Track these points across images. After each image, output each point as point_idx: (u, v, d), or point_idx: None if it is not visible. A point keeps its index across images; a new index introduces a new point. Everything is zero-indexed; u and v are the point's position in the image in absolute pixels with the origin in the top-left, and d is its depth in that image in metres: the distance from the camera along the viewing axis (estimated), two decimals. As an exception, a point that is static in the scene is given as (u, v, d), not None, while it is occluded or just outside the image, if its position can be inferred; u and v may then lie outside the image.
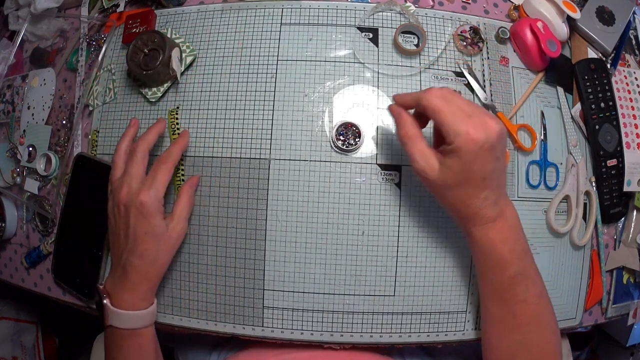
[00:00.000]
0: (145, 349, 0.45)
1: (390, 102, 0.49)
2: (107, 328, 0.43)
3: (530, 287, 0.41)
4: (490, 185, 0.38)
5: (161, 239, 0.43)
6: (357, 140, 0.48)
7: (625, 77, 0.56)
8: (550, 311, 0.43)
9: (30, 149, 0.57)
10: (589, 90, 0.52)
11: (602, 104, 0.53)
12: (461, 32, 0.52)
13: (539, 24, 0.49)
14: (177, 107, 0.51)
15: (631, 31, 0.59)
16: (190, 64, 0.51)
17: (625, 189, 0.53)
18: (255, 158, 0.49)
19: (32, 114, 0.58)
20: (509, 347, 0.42)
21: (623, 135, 0.54)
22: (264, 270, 0.48)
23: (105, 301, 0.43)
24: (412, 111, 0.42)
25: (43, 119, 0.57)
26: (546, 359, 0.42)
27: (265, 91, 0.50)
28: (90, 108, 0.54)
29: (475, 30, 0.52)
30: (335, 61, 0.50)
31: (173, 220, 0.45)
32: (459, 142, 0.36)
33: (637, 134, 0.55)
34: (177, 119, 0.51)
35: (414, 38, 0.51)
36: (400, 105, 0.42)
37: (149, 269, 0.43)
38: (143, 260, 0.42)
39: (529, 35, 0.50)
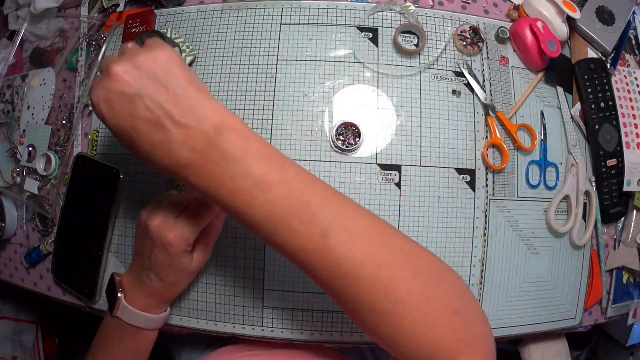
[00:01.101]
0: (143, 349, 0.45)
1: (390, 102, 0.49)
2: (113, 318, 0.43)
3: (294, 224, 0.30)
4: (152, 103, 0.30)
5: (183, 271, 0.42)
6: (357, 140, 0.48)
7: (625, 77, 0.56)
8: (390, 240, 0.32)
9: (30, 149, 0.57)
10: (589, 90, 0.52)
11: (602, 104, 0.53)
12: (461, 32, 0.52)
13: (539, 24, 0.49)
14: (177, 107, 0.51)
15: (631, 31, 0.59)
16: (190, 64, 0.51)
17: (625, 189, 0.53)
18: (255, 158, 0.49)
19: (32, 114, 0.58)
20: (370, 330, 0.32)
21: (623, 135, 0.54)
22: (264, 270, 0.48)
23: (120, 295, 0.42)
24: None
25: (43, 119, 0.57)
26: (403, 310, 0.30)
27: (265, 91, 0.50)
28: (90, 108, 0.54)
29: (475, 30, 0.52)
30: (335, 61, 0.50)
31: (198, 252, 0.42)
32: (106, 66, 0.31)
33: (637, 134, 0.55)
34: (177, 119, 0.50)
35: (414, 38, 0.51)
36: None
37: (167, 290, 0.43)
38: (163, 283, 0.42)
39: (529, 35, 0.50)
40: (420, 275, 0.31)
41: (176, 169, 0.30)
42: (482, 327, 0.32)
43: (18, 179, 0.58)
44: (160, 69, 0.31)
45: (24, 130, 0.58)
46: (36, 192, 0.55)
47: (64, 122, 0.56)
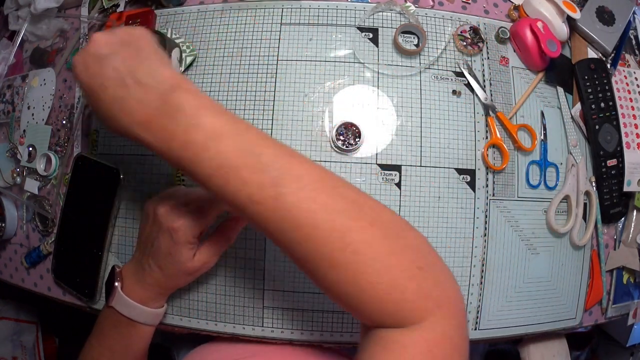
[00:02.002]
0: (135, 344, 0.44)
1: (390, 102, 0.49)
2: (109, 308, 0.43)
3: (282, 180, 0.29)
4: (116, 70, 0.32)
5: (182, 266, 0.41)
6: (357, 140, 0.48)
7: (625, 77, 0.56)
8: (339, 190, 0.31)
9: (30, 149, 0.57)
10: (589, 90, 0.52)
11: (602, 104, 0.53)
12: (461, 32, 0.52)
13: (539, 24, 0.49)
14: (177, 107, 0.51)
15: (631, 31, 0.59)
16: (190, 64, 0.51)
17: (625, 189, 0.53)
18: (255, 158, 0.49)
19: (32, 114, 0.58)
20: (314, 278, 0.31)
21: (623, 135, 0.54)
22: (264, 270, 0.48)
23: (116, 284, 0.42)
24: None
25: (43, 119, 0.57)
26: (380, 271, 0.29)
27: (265, 91, 0.50)
28: (90, 108, 0.54)
29: (475, 30, 0.52)
30: (335, 61, 0.50)
31: (203, 254, 0.41)
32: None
33: (637, 134, 0.55)
34: (177, 119, 0.50)
35: (414, 38, 0.51)
36: None
37: (165, 281, 0.42)
38: (161, 272, 0.41)
39: (529, 35, 0.50)
40: (378, 226, 0.30)
41: (132, 126, 0.32)
42: (451, 287, 0.31)
43: (18, 179, 0.58)
44: (132, 39, 0.34)
45: (24, 130, 0.59)
46: (36, 192, 0.55)
47: (64, 122, 0.56)
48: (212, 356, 0.48)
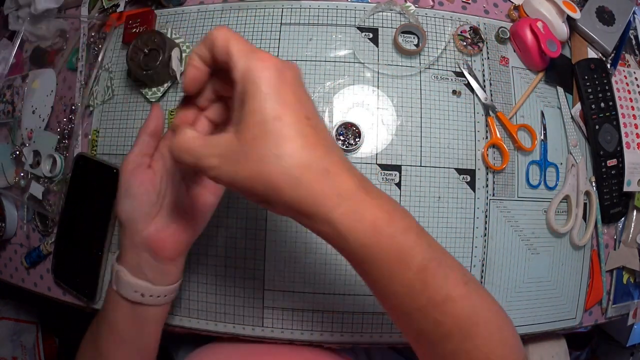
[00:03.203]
0: (146, 328, 0.41)
1: (390, 102, 0.49)
2: (114, 293, 0.39)
3: (450, 274, 0.29)
4: (317, 128, 0.26)
5: (130, 197, 0.37)
6: (357, 140, 0.48)
7: (625, 77, 0.56)
8: (486, 297, 0.31)
9: (37, 158, 0.56)
10: (589, 90, 0.52)
11: (602, 104, 0.53)
12: (461, 32, 0.52)
13: (539, 24, 0.49)
14: (177, 107, 0.51)
15: (631, 31, 0.59)
16: (190, 64, 0.51)
17: (625, 189, 0.53)
18: (255, 158, 0.49)
19: (33, 112, 0.58)
20: (444, 358, 0.31)
21: (623, 135, 0.54)
22: (264, 270, 0.48)
23: (116, 265, 0.39)
24: None
25: (44, 120, 0.57)
26: (497, 354, 0.30)
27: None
28: (91, 108, 0.54)
29: (475, 30, 0.52)
30: (335, 61, 0.50)
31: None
32: (251, 69, 0.26)
33: (637, 134, 0.55)
34: (177, 119, 0.50)
35: (414, 38, 0.51)
36: (192, 78, 0.30)
37: (127, 229, 0.38)
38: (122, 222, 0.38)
39: (529, 35, 0.50)
40: (504, 316, 0.32)
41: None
42: None
43: (22, 182, 0.57)
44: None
45: (27, 128, 0.58)
46: (40, 197, 0.55)
47: (64, 122, 0.56)
48: (219, 356, 0.48)
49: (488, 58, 0.52)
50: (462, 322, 0.29)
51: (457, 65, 0.51)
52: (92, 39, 0.57)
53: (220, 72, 0.30)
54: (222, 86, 0.31)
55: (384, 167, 0.48)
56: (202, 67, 0.30)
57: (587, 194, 0.52)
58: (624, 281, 0.55)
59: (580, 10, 0.53)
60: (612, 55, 0.57)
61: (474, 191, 0.49)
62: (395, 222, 0.27)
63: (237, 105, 0.26)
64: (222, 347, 0.49)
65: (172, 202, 0.38)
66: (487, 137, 0.50)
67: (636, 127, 0.55)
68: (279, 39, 0.51)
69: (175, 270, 0.39)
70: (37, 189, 0.55)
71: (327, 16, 0.51)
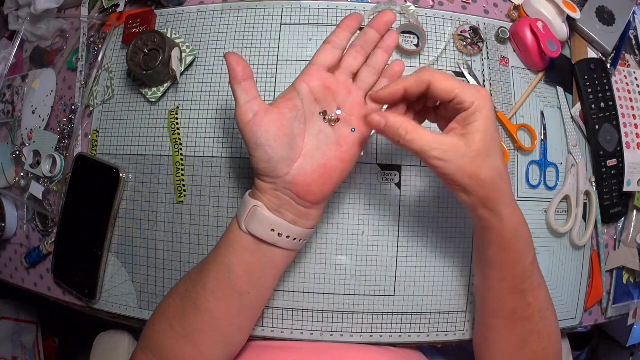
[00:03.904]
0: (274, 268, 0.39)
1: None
2: (244, 235, 0.38)
3: (538, 268, 0.39)
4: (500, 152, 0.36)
5: (249, 132, 0.37)
6: (357, 140, 0.48)
7: (625, 77, 0.56)
8: (548, 292, 0.42)
9: (37, 158, 0.57)
10: (589, 90, 0.52)
11: (602, 104, 0.53)
12: (461, 32, 0.52)
13: (539, 24, 0.49)
14: (177, 107, 0.51)
15: (631, 31, 0.59)
16: (190, 64, 0.51)
17: (625, 189, 0.53)
18: (255, 158, 0.49)
19: (33, 112, 0.58)
20: (519, 337, 0.40)
21: (623, 135, 0.54)
22: (264, 270, 0.48)
23: (254, 202, 0.37)
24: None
25: (44, 120, 0.57)
26: (552, 341, 0.40)
27: (265, 91, 0.50)
28: (91, 108, 0.54)
29: (475, 30, 0.52)
30: (335, 61, 0.50)
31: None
32: (480, 100, 0.34)
33: (637, 134, 0.55)
34: (177, 119, 0.51)
35: (414, 38, 0.51)
36: (395, 92, 0.36)
37: (257, 164, 0.37)
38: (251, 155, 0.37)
39: (529, 35, 0.50)
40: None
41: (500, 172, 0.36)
42: None
43: (22, 182, 0.58)
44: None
45: (27, 128, 0.59)
46: (40, 197, 0.55)
47: (65, 121, 0.56)
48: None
49: (488, 58, 0.52)
50: (542, 306, 0.40)
51: (457, 65, 0.51)
52: (92, 39, 0.57)
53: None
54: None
55: (384, 167, 0.48)
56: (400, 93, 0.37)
57: (587, 194, 0.52)
58: (624, 281, 0.55)
59: (580, 10, 0.53)
60: (612, 55, 0.57)
61: (474, 191, 0.49)
62: (524, 226, 0.38)
63: (462, 121, 0.35)
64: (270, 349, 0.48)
65: (316, 142, 0.37)
66: (487, 137, 0.50)
67: (636, 127, 0.55)
68: (279, 39, 0.51)
69: (316, 214, 0.39)
70: (37, 189, 0.55)
71: (327, 16, 0.51)
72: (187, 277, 0.41)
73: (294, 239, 0.38)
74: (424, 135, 0.35)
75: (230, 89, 0.50)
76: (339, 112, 0.38)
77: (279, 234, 0.37)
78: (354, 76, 0.40)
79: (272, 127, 0.36)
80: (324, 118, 0.38)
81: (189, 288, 0.40)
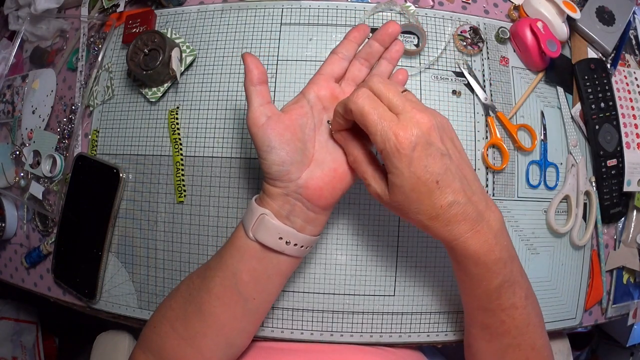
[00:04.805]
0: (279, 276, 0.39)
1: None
2: (249, 242, 0.38)
3: (517, 290, 0.37)
4: (451, 187, 0.33)
5: (258, 135, 0.37)
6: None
7: (625, 77, 0.56)
8: (537, 309, 0.41)
9: (37, 158, 0.57)
10: (589, 90, 0.52)
11: (602, 104, 0.53)
12: (461, 32, 0.52)
13: (539, 24, 0.49)
14: (177, 107, 0.51)
15: (631, 31, 0.59)
16: (190, 64, 0.51)
17: (625, 189, 0.53)
18: (255, 158, 0.49)
19: (33, 112, 0.58)
20: (497, 350, 0.40)
21: (623, 135, 0.54)
22: (264, 270, 0.48)
23: (261, 210, 0.37)
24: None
25: (44, 120, 0.57)
26: (535, 353, 0.39)
27: (269, 96, 0.50)
28: (91, 108, 0.54)
29: (475, 30, 0.52)
30: (335, 61, 0.50)
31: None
32: (389, 148, 0.32)
33: (637, 134, 0.55)
34: (177, 119, 0.51)
35: (414, 38, 0.51)
36: (338, 115, 0.37)
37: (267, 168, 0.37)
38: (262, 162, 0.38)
39: (529, 35, 0.50)
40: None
41: (450, 226, 0.35)
42: None
43: (22, 182, 0.58)
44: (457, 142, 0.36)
45: (26, 128, 0.59)
46: (40, 197, 0.55)
47: (65, 121, 0.56)
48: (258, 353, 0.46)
49: (488, 58, 0.52)
50: (519, 323, 0.38)
51: (457, 65, 0.51)
52: (92, 39, 0.57)
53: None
54: None
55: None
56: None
57: (587, 194, 0.52)
58: (624, 281, 0.55)
59: (580, 10, 0.53)
60: (612, 55, 0.57)
61: (474, 191, 0.49)
62: (490, 255, 0.35)
63: (384, 159, 0.34)
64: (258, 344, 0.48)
65: (326, 149, 0.38)
66: (487, 137, 0.50)
67: (636, 127, 0.55)
68: (279, 39, 0.51)
69: (323, 220, 0.39)
70: (37, 189, 0.55)
71: (327, 16, 0.51)
72: (190, 280, 0.41)
73: (301, 246, 0.38)
74: (365, 168, 0.36)
75: (230, 89, 0.50)
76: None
77: (286, 242, 0.37)
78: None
79: (285, 131, 0.36)
80: (329, 123, 0.39)
81: (192, 292, 0.40)
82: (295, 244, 0.37)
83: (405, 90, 0.35)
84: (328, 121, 0.39)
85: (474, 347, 0.42)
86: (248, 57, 0.37)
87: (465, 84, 0.51)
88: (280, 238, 0.37)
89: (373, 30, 0.51)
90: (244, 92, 0.37)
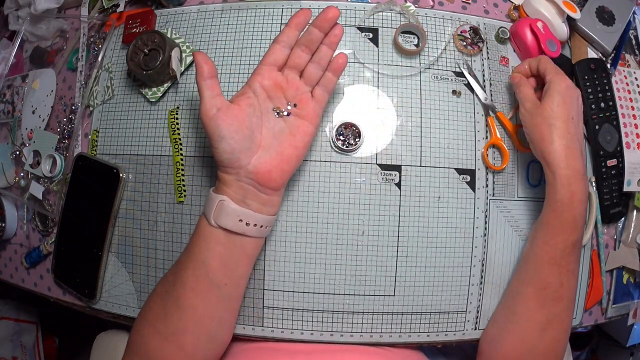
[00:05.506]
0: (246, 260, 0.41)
1: (390, 102, 0.50)
2: (212, 230, 0.39)
3: (578, 261, 0.43)
4: (576, 127, 0.43)
5: (207, 122, 0.39)
6: (357, 140, 0.48)
7: (625, 77, 0.56)
8: None
9: (37, 158, 0.57)
10: (589, 90, 0.52)
11: (602, 104, 0.53)
12: (461, 32, 0.52)
13: (539, 24, 0.49)
14: (177, 107, 0.51)
15: (631, 31, 0.59)
16: (190, 64, 0.51)
17: (625, 189, 0.53)
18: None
19: (33, 112, 0.58)
20: (544, 319, 0.43)
21: (623, 135, 0.54)
22: (264, 270, 0.48)
23: (220, 196, 0.39)
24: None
25: (44, 120, 0.57)
26: (566, 336, 0.43)
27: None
28: (91, 108, 0.54)
29: (475, 30, 0.52)
30: (335, 61, 0.50)
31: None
32: (560, 76, 0.44)
33: (637, 134, 0.55)
34: (177, 119, 0.51)
35: (414, 38, 0.51)
36: (520, 72, 0.48)
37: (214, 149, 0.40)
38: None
39: (529, 35, 0.50)
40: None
41: (575, 163, 0.43)
42: None
43: (22, 182, 0.58)
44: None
45: (26, 128, 0.59)
46: (40, 197, 0.55)
47: (65, 121, 0.56)
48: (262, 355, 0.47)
49: (488, 58, 0.52)
50: (571, 295, 0.43)
51: (457, 65, 0.51)
52: (92, 39, 0.57)
53: None
54: None
55: (384, 167, 0.48)
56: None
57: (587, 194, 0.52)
58: (624, 281, 0.55)
59: (580, 10, 0.53)
60: (612, 55, 0.57)
61: (474, 191, 0.49)
62: (581, 205, 0.42)
63: (544, 91, 0.45)
64: (261, 346, 0.48)
65: (272, 134, 0.41)
66: (487, 137, 0.50)
67: (636, 127, 0.55)
68: (279, 39, 0.51)
69: (277, 200, 0.42)
70: (37, 189, 0.55)
71: (327, 16, 0.51)
72: (164, 279, 0.43)
73: (261, 226, 0.40)
74: (526, 91, 0.46)
75: (230, 89, 0.50)
76: (289, 107, 0.41)
77: (246, 224, 0.39)
78: (301, 72, 0.42)
79: (234, 121, 0.38)
80: (277, 114, 0.41)
81: (168, 289, 0.41)
82: (255, 224, 0.40)
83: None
84: (277, 113, 0.41)
85: (518, 315, 0.44)
86: (198, 54, 0.39)
87: (465, 84, 0.51)
88: (240, 220, 0.39)
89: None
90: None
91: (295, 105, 0.42)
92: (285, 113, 0.41)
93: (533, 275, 0.44)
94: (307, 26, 0.41)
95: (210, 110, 0.38)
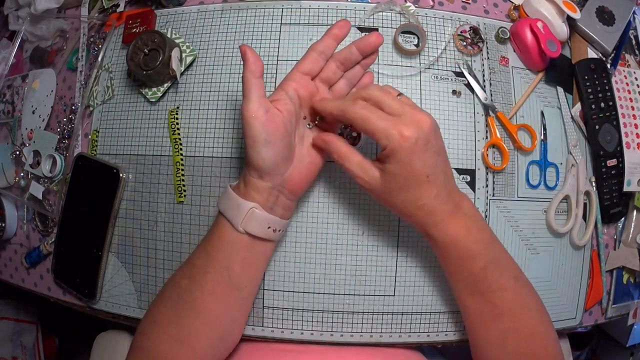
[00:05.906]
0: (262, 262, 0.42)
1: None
2: (238, 235, 0.39)
3: (504, 272, 0.40)
4: (437, 181, 0.37)
5: (248, 130, 0.38)
6: (356, 140, 0.48)
7: (625, 77, 0.56)
8: (530, 291, 0.42)
9: (37, 158, 0.57)
10: (589, 90, 0.52)
11: (602, 104, 0.53)
12: (461, 32, 0.52)
13: (539, 24, 0.49)
14: (177, 107, 0.51)
15: (631, 31, 0.59)
16: (190, 64, 0.51)
17: (625, 189, 0.53)
18: (255, 158, 0.49)
19: (33, 112, 0.58)
20: (497, 336, 0.40)
21: (623, 135, 0.54)
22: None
23: (248, 204, 0.38)
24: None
25: (44, 120, 0.57)
26: (538, 339, 0.40)
27: (265, 91, 0.50)
28: (91, 108, 0.54)
29: (475, 30, 0.52)
30: (335, 61, 0.50)
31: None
32: (393, 144, 0.35)
33: (637, 134, 0.55)
34: (177, 119, 0.51)
35: (414, 38, 0.51)
36: (324, 111, 0.40)
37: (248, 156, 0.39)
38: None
39: (529, 35, 0.50)
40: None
41: (427, 215, 0.39)
42: None
43: (22, 182, 0.58)
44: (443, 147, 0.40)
45: (27, 128, 0.59)
46: (40, 197, 0.55)
47: (65, 121, 0.56)
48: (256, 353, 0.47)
49: (488, 58, 0.52)
50: (512, 306, 0.39)
51: (457, 65, 0.51)
52: (92, 39, 0.57)
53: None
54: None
55: (384, 167, 0.48)
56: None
57: (587, 194, 0.52)
58: (624, 281, 0.55)
59: (580, 10, 0.53)
60: (612, 55, 0.57)
61: (474, 191, 0.49)
62: (468, 236, 0.39)
63: (381, 158, 0.38)
64: (255, 346, 0.48)
65: (302, 144, 0.41)
66: (487, 137, 0.50)
67: (636, 127, 0.55)
68: (279, 39, 0.51)
69: (294, 206, 0.43)
70: (37, 189, 0.55)
71: (327, 16, 0.51)
72: (175, 284, 0.42)
73: (280, 230, 0.41)
74: (353, 159, 0.39)
75: (230, 89, 0.50)
76: (317, 121, 0.42)
77: (273, 230, 0.40)
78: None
79: (280, 126, 0.38)
80: (308, 125, 0.42)
81: (181, 294, 0.40)
82: (280, 230, 0.41)
83: (400, 94, 0.39)
84: (308, 124, 0.42)
85: (476, 338, 0.43)
86: (248, 49, 0.38)
87: (465, 84, 0.51)
88: (269, 227, 0.39)
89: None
90: (242, 84, 0.38)
91: (322, 119, 0.42)
92: (317, 123, 0.42)
93: (466, 308, 0.42)
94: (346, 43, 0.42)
95: (259, 110, 0.37)
